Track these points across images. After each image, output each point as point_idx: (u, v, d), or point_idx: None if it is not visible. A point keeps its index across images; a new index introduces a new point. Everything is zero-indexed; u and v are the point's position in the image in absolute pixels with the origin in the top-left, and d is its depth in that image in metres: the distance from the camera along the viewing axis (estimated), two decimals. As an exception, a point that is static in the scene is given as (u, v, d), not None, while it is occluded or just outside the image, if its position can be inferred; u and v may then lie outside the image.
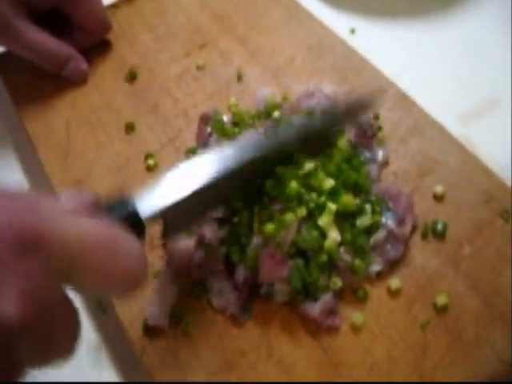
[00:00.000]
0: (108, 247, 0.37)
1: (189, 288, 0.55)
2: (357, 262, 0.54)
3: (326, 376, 0.50)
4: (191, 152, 0.63)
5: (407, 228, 0.56)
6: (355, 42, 0.74)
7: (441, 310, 0.53)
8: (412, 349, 0.51)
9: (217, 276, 0.55)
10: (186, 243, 0.55)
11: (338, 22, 0.78)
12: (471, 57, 0.76)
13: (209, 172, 0.49)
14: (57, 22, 0.71)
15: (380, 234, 0.56)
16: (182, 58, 0.73)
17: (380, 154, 0.62)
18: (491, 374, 0.50)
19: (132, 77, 0.72)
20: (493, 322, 0.52)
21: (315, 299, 0.53)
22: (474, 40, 0.78)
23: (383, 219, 0.56)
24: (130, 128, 0.67)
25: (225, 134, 0.61)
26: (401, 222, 0.56)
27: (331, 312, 0.53)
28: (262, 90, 0.67)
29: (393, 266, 0.55)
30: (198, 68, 0.71)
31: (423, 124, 0.65)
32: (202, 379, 0.51)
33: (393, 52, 0.76)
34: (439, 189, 0.59)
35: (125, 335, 0.54)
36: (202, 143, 0.63)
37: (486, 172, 0.61)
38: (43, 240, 0.33)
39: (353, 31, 0.79)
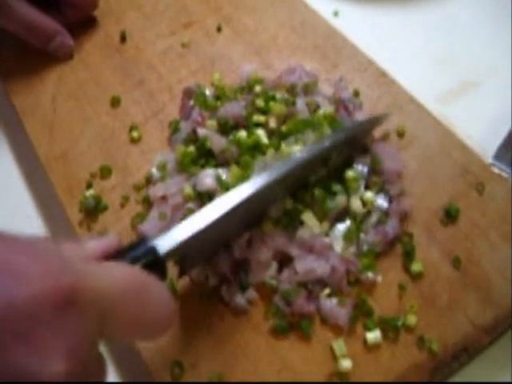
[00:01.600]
0: (137, 294, 0.37)
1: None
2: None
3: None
4: (174, 124, 0.64)
5: (402, 205, 0.58)
6: (338, 24, 0.75)
7: (416, 277, 0.55)
8: (387, 312, 0.53)
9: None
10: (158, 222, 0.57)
11: (322, 4, 0.79)
12: (452, 37, 0.78)
13: (223, 206, 0.49)
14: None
15: (373, 218, 0.57)
16: (168, 35, 0.74)
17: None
18: (464, 337, 0.52)
19: (123, 37, 0.74)
20: (466, 288, 0.54)
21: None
22: (455, 21, 0.79)
23: (376, 201, 0.58)
24: (115, 102, 0.68)
25: (207, 107, 0.62)
26: (395, 199, 0.58)
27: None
28: (245, 67, 0.68)
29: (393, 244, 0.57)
30: (183, 45, 0.73)
31: (402, 101, 0.66)
32: (186, 342, 0.52)
33: (375, 33, 0.78)
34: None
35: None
36: (185, 116, 0.64)
37: (462, 147, 0.62)
38: (77, 295, 0.32)
39: (336, 13, 0.80)
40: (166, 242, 0.44)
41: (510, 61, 0.74)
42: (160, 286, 0.39)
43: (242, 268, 0.55)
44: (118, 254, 0.41)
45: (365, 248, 0.55)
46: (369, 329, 0.52)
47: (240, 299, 0.54)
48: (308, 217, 0.56)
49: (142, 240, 0.43)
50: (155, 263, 0.42)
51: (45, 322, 0.31)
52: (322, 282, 0.54)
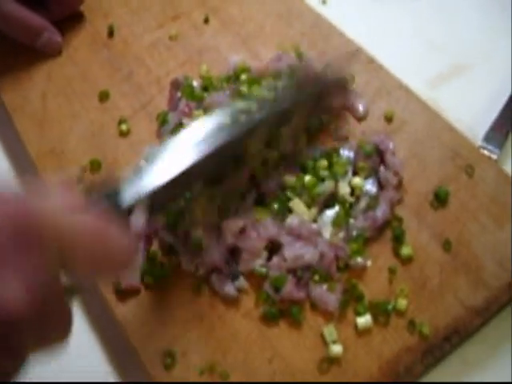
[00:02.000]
0: (99, 234, 0.39)
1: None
2: None
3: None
4: (162, 116, 0.64)
5: (392, 193, 0.58)
6: (326, 12, 0.75)
7: (406, 261, 0.55)
8: (378, 297, 0.53)
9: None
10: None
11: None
12: (441, 22, 0.77)
13: (190, 153, 0.50)
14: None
15: (362, 203, 0.57)
16: (155, 29, 0.74)
17: (360, 108, 0.64)
18: (455, 319, 0.52)
19: (110, 32, 0.74)
20: (456, 271, 0.54)
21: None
22: (444, 5, 0.79)
23: (365, 186, 0.58)
24: (104, 96, 0.68)
25: (193, 97, 0.63)
26: (385, 185, 0.58)
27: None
28: (232, 57, 0.68)
29: (382, 229, 0.57)
30: (171, 38, 0.72)
31: (390, 86, 0.66)
32: (176, 331, 0.52)
33: (363, 20, 0.77)
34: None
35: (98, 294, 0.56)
36: (173, 108, 0.64)
37: (452, 130, 0.62)
38: (40, 233, 0.34)
39: (324, 1, 0.80)
40: (132, 194, 0.46)
41: (500, 43, 0.74)
42: (119, 228, 0.41)
43: (232, 256, 0.55)
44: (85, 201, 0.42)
45: (354, 233, 0.55)
46: (359, 313, 0.52)
47: (230, 287, 0.54)
48: (296, 204, 0.56)
49: (109, 186, 0.46)
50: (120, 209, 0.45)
51: (3, 256, 0.32)
52: (311, 268, 0.54)
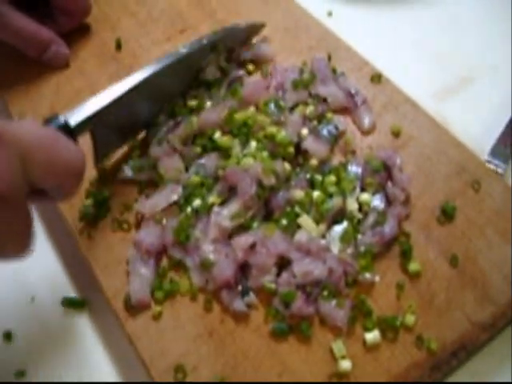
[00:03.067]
0: (50, 143, 0.46)
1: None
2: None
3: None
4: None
5: (399, 209, 0.58)
6: (332, 25, 0.75)
7: (413, 277, 0.55)
8: (386, 312, 0.53)
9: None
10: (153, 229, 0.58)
11: (316, 5, 0.80)
12: (446, 35, 0.78)
13: (130, 81, 0.61)
14: (37, 7, 0.73)
15: (370, 219, 0.58)
16: (163, 42, 0.75)
17: (366, 121, 0.64)
18: (462, 335, 0.52)
19: (118, 45, 0.75)
20: (463, 286, 0.54)
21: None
22: (449, 18, 0.80)
23: (373, 202, 0.58)
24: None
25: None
26: (392, 201, 0.59)
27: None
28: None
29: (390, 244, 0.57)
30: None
31: (397, 100, 0.66)
32: (187, 346, 0.53)
33: (369, 33, 0.78)
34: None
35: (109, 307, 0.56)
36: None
37: (458, 145, 0.63)
38: (9, 139, 0.42)
39: (330, 14, 0.81)
40: (76, 116, 0.56)
41: (506, 56, 0.75)
42: (68, 139, 0.49)
43: (242, 272, 0.56)
44: None
45: (362, 249, 0.56)
46: (367, 329, 0.52)
47: (240, 303, 0.54)
48: (305, 220, 0.56)
49: (55, 115, 0.54)
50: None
51: None
52: (320, 284, 0.54)
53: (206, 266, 0.55)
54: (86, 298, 0.60)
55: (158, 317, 0.55)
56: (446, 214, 0.58)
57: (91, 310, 0.60)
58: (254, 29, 0.72)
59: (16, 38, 0.71)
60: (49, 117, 0.55)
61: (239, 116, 0.61)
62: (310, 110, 0.64)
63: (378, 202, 0.58)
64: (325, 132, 0.63)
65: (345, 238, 0.56)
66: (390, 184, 0.59)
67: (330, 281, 0.54)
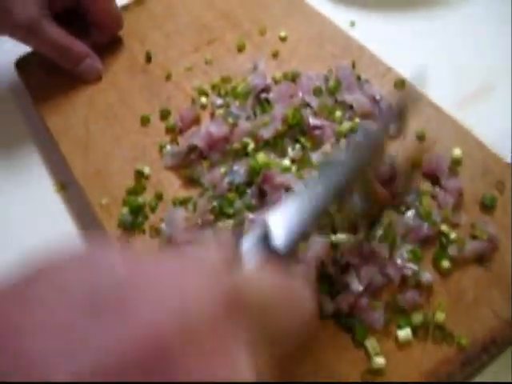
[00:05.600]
0: (287, 298, 0.36)
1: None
2: None
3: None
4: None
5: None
6: (355, 34, 0.77)
7: (444, 274, 0.57)
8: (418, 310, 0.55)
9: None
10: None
11: (338, 16, 0.81)
12: (468, 42, 0.79)
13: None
14: (72, 20, 0.76)
15: (409, 214, 0.60)
16: (191, 53, 0.77)
17: (391, 127, 0.66)
18: (491, 330, 0.54)
19: (148, 57, 0.78)
20: (490, 285, 0.56)
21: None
22: (471, 25, 0.81)
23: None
24: (145, 120, 0.71)
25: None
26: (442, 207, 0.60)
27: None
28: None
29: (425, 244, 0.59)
30: (207, 62, 0.75)
31: (422, 106, 0.68)
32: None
33: (391, 41, 0.79)
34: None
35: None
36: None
37: (482, 147, 0.65)
38: (245, 301, 0.32)
39: (352, 24, 0.82)
40: (285, 240, 0.42)
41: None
42: (302, 283, 0.39)
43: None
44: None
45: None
46: (400, 327, 0.54)
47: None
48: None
49: (267, 233, 0.41)
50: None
51: (220, 327, 0.29)
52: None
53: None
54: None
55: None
56: (473, 215, 0.60)
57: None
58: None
59: (53, 50, 0.74)
60: (255, 236, 0.41)
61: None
62: (337, 115, 0.66)
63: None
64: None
65: (388, 240, 0.57)
66: (438, 189, 0.61)
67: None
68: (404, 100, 0.65)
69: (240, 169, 0.62)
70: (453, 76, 0.76)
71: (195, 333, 0.28)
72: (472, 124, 0.69)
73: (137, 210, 0.64)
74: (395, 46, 0.79)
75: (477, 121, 0.70)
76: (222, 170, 0.63)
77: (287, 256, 0.41)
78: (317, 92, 0.67)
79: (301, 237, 0.44)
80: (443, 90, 0.73)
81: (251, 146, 0.64)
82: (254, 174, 0.61)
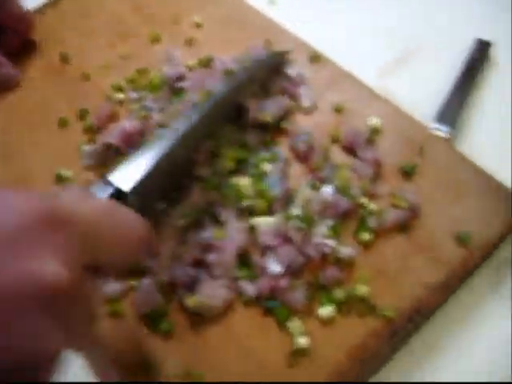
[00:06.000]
0: (112, 217, 0.41)
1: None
2: None
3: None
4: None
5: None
6: (273, 12, 0.76)
7: (366, 246, 0.56)
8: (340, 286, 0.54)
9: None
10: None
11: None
12: (386, 9, 0.79)
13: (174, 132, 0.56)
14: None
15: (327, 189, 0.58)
16: (107, 50, 0.76)
17: (306, 102, 0.66)
18: (417, 299, 0.53)
19: (64, 59, 0.76)
20: (414, 251, 0.55)
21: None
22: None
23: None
24: (63, 123, 0.69)
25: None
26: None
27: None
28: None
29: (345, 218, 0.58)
30: (123, 58, 0.74)
31: (339, 79, 0.67)
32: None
33: (312, 17, 0.79)
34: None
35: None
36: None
37: (402, 114, 0.64)
38: (70, 218, 0.37)
39: (272, 2, 0.81)
40: (127, 181, 0.50)
41: (447, 25, 0.75)
42: (124, 207, 0.44)
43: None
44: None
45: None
46: (322, 304, 0.53)
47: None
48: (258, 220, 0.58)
49: (105, 181, 0.50)
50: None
51: (39, 235, 0.35)
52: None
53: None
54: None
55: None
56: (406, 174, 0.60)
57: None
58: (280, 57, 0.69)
59: None
60: (98, 183, 0.50)
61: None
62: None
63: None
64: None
65: (305, 219, 0.56)
66: (356, 161, 0.60)
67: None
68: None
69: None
70: (375, 45, 0.75)
71: (9, 236, 0.34)
72: (394, 91, 0.69)
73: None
74: (316, 21, 0.78)
75: (399, 88, 0.70)
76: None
77: (131, 196, 0.50)
78: (228, 74, 0.66)
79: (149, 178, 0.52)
80: (366, 60, 0.72)
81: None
82: None
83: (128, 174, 0.51)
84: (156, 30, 0.76)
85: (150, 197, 0.55)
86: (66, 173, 0.65)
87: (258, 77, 0.65)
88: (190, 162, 0.60)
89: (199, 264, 0.56)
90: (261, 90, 0.65)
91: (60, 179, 0.65)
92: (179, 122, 0.58)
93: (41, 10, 0.82)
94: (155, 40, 0.75)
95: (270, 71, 0.67)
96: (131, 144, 0.64)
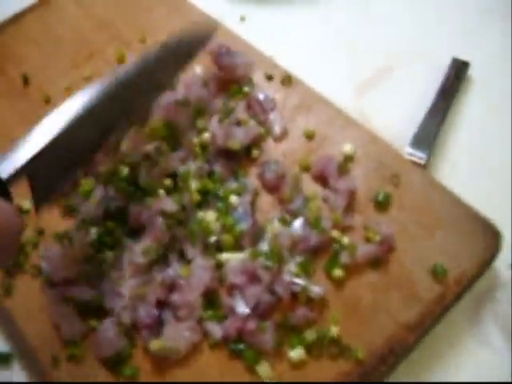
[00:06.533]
0: None
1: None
2: None
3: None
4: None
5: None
6: (245, 29, 0.74)
7: (338, 283, 0.54)
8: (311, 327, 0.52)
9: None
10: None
11: (230, 11, 0.79)
12: (362, 29, 0.76)
13: (67, 114, 0.52)
14: None
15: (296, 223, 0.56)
16: (70, 71, 0.73)
17: (277, 128, 0.63)
18: (389, 338, 0.51)
19: (25, 80, 0.73)
20: (388, 288, 0.53)
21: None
22: (361, 11, 0.78)
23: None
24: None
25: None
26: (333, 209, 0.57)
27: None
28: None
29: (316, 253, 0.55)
30: (86, 79, 0.71)
31: (309, 101, 0.65)
32: None
33: (283, 36, 0.76)
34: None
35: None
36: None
37: (376, 140, 0.61)
38: None
39: (243, 18, 0.79)
40: (7, 166, 0.47)
41: (421, 43, 0.73)
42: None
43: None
44: None
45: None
46: (292, 346, 0.51)
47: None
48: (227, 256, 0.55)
49: None
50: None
51: None
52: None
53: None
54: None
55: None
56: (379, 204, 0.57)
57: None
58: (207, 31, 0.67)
59: None
60: None
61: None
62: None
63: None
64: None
65: (273, 256, 0.54)
66: (328, 192, 0.58)
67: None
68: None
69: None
70: (347, 64, 0.73)
71: None
72: (370, 111, 0.67)
73: (18, 250, 0.59)
74: (286, 40, 0.76)
75: (375, 107, 0.68)
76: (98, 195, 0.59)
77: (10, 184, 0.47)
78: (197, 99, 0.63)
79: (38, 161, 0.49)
80: (338, 80, 0.70)
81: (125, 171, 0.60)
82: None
83: (10, 162, 0.48)
84: (122, 48, 0.72)
85: (46, 177, 0.51)
86: (25, 204, 0.62)
87: (179, 51, 0.62)
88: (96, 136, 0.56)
89: (163, 304, 0.53)
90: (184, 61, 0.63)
91: (19, 211, 0.62)
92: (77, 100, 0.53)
93: (1, 27, 0.78)
94: (120, 59, 0.72)
95: (195, 43, 0.64)
96: (89, 173, 0.62)
